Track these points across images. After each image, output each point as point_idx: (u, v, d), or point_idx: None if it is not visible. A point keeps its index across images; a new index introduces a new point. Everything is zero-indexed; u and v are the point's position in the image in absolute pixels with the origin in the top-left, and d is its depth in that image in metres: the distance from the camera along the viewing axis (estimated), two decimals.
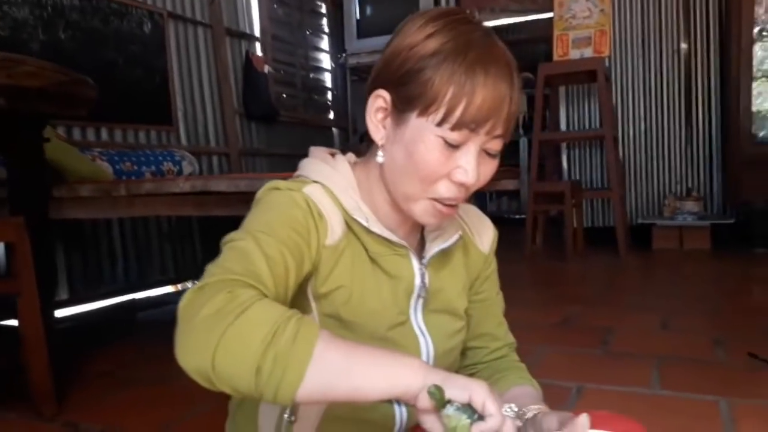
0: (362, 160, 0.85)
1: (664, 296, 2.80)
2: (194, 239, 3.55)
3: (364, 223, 0.78)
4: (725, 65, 4.18)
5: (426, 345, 0.85)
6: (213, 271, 0.63)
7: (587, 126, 4.70)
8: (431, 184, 0.74)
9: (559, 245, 4.33)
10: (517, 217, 7.13)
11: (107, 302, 3.11)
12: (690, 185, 4.42)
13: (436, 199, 0.75)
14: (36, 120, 1.58)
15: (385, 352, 0.62)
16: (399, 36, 0.75)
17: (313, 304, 0.79)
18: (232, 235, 0.70)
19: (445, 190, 0.74)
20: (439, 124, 0.70)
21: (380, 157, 0.78)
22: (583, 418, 0.68)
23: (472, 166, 0.72)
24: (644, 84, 4.52)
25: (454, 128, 0.70)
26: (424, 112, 0.71)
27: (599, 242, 4.37)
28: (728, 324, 2.26)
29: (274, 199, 0.75)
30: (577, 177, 4.75)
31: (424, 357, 0.84)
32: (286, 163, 4.38)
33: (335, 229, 0.76)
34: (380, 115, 0.77)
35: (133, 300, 3.25)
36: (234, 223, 0.75)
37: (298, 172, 0.84)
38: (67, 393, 1.79)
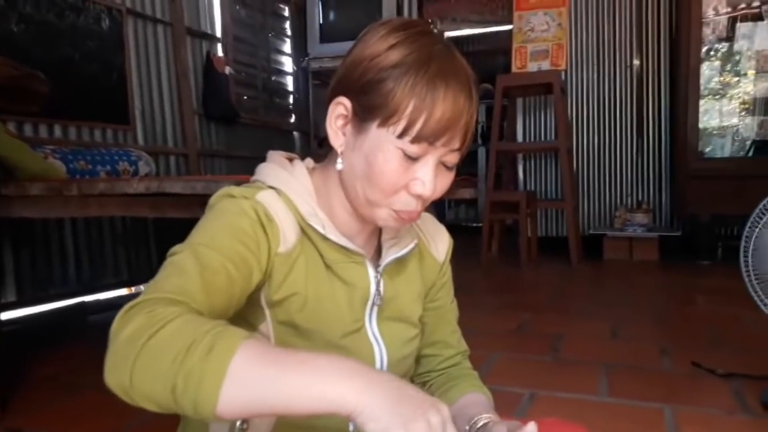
0: (320, 166, 0.85)
1: (613, 305, 2.89)
2: (149, 241, 3.48)
3: (321, 230, 0.78)
4: (675, 82, 4.34)
5: (380, 353, 0.85)
6: (145, 290, 0.62)
7: (543, 137, 4.81)
8: (390, 194, 0.74)
9: (514, 253, 4.41)
10: (474, 225, 7.23)
11: (57, 305, 3.02)
12: (640, 198, 4.57)
13: (394, 210, 0.76)
14: None
15: (320, 363, 0.57)
16: (361, 44, 0.75)
17: (267, 312, 0.78)
18: (175, 248, 0.70)
19: (402, 203, 0.75)
20: (400, 136, 0.70)
21: (339, 164, 0.78)
22: (531, 426, 0.70)
23: (429, 178, 0.73)
24: (598, 97, 4.65)
25: (413, 141, 0.70)
26: (385, 123, 0.71)
27: (552, 251, 4.47)
28: (674, 333, 2.35)
29: (222, 208, 0.74)
30: (533, 187, 4.85)
31: (378, 365, 0.85)
32: (246, 165, 4.34)
33: (288, 236, 0.76)
34: (340, 122, 0.77)
35: (84, 302, 3.16)
36: (190, 225, 0.74)
37: (254, 177, 0.83)
38: (11, 398, 1.74)
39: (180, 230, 0.75)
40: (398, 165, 0.72)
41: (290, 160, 0.86)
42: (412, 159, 0.72)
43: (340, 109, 0.76)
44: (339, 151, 0.78)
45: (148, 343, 0.55)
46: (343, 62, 0.78)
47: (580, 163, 4.69)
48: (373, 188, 0.74)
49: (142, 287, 3.61)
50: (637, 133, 4.57)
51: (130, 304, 0.59)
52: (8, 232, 2.67)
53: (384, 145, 0.72)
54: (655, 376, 1.86)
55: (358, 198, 0.77)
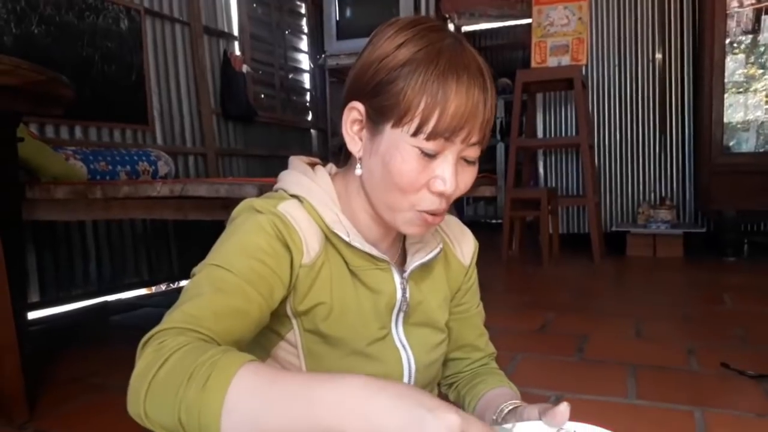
0: (342, 171, 0.84)
1: (637, 303, 2.84)
2: (169, 241, 3.50)
3: (345, 238, 0.77)
4: (698, 76, 4.26)
5: (407, 359, 0.84)
6: (162, 320, 0.64)
7: (563, 133, 4.76)
8: (411, 194, 0.73)
9: (535, 251, 4.37)
10: (494, 222, 7.20)
11: (79, 305, 3.04)
12: (663, 194, 4.50)
13: (419, 211, 0.74)
14: (9, 119, 1.54)
15: (316, 393, 0.52)
16: (370, 47, 0.75)
17: (293, 321, 0.78)
18: (195, 268, 0.71)
19: (426, 202, 0.73)
20: (414, 134, 0.69)
21: (358, 169, 0.77)
22: (564, 406, 0.68)
23: (449, 174, 0.71)
24: (620, 93, 4.59)
25: (429, 138, 0.69)
26: (398, 123, 0.70)
27: (574, 248, 4.42)
28: (700, 332, 2.30)
29: (241, 225, 0.73)
30: (553, 184, 4.80)
31: (405, 371, 0.84)
32: (264, 165, 4.35)
33: (311, 246, 0.75)
34: (356, 127, 0.76)
35: (106, 302, 3.19)
36: (211, 225, 0.74)
37: (277, 185, 0.83)
38: (38, 399, 1.75)
39: (200, 230, 0.74)
40: (416, 164, 0.71)
41: (312, 165, 0.85)
42: (430, 157, 0.71)
43: (354, 114, 0.76)
44: (357, 156, 0.77)
45: (155, 378, 0.56)
46: (354, 67, 0.77)
47: (601, 158, 4.63)
48: (393, 191, 0.73)
49: (162, 287, 3.64)
50: (659, 128, 4.50)
51: (148, 335, 0.61)
52: (31, 233, 2.69)
53: (400, 145, 0.71)
54: (683, 377, 1.82)
55: (380, 203, 0.76)
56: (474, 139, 0.72)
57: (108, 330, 2.75)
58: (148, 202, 1.59)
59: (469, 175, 0.76)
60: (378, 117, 0.72)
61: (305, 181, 0.80)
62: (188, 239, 3.53)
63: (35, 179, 2.17)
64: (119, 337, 2.56)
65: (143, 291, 3.50)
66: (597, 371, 1.89)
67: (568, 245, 4.49)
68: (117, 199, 1.57)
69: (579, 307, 2.83)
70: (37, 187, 1.72)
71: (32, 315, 2.80)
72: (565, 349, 2.12)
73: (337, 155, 0.85)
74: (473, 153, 0.74)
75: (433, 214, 0.75)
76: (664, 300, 2.90)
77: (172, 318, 0.63)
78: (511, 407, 0.82)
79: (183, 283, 3.76)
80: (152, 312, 3.08)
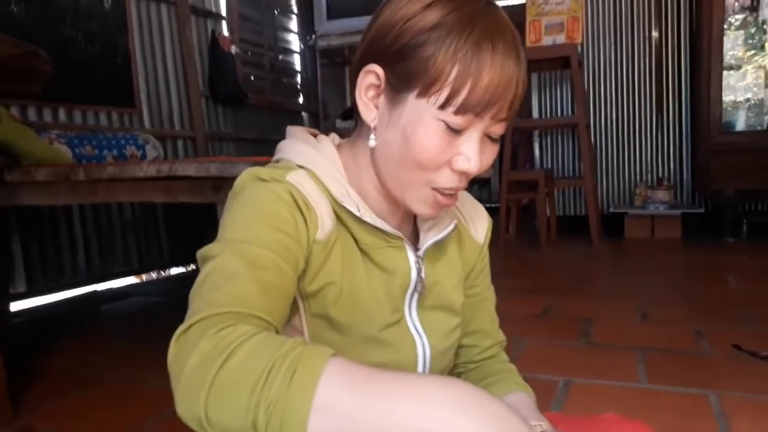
0: (348, 142, 0.77)
1: (639, 285, 2.79)
2: (159, 228, 3.40)
3: (356, 212, 0.70)
4: (696, 54, 4.19)
5: (422, 345, 0.77)
6: (196, 306, 0.55)
7: (559, 113, 4.69)
8: (430, 171, 0.67)
9: (532, 234, 4.31)
10: (488, 205, 7.15)
11: (68, 294, 2.95)
12: (661, 174, 4.44)
13: (434, 189, 0.68)
14: None
15: (419, 388, 0.48)
16: (392, 5, 0.67)
17: (300, 304, 0.71)
18: (211, 248, 0.62)
19: (444, 179, 0.67)
20: (442, 107, 0.63)
21: (372, 140, 0.70)
22: None
23: (474, 152, 0.65)
24: (616, 71, 4.51)
25: (457, 112, 0.63)
26: (425, 92, 0.63)
27: (571, 231, 4.37)
28: (706, 314, 2.25)
29: (253, 195, 0.66)
30: (549, 165, 4.74)
31: (420, 358, 0.77)
32: (254, 148, 4.25)
33: (325, 220, 0.68)
34: (371, 93, 0.69)
35: (95, 292, 3.10)
36: (202, 210, 0.65)
37: (278, 155, 0.75)
38: (23, 395, 1.67)
39: (191, 216, 0.66)
40: (440, 139, 0.64)
41: (314, 135, 0.78)
42: (456, 132, 0.65)
43: (370, 78, 0.68)
44: (372, 126, 0.69)
45: (221, 372, 0.48)
46: (371, 26, 0.69)
47: (597, 139, 4.57)
48: (411, 167, 0.66)
49: (153, 275, 3.55)
50: (656, 108, 4.43)
51: (186, 325, 0.53)
52: (17, 220, 2.60)
53: (424, 117, 0.64)
54: (695, 360, 1.77)
55: (392, 178, 0.70)
56: (503, 114, 0.66)
57: (98, 320, 2.67)
58: (135, 184, 1.50)
59: (491, 153, 0.69)
60: (401, 84, 0.65)
61: (309, 151, 0.73)
62: (179, 225, 3.43)
63: (16, 163, 2.07)
64: (110, 326, 2.48)
65: (133, 279, 3.41)
66: (605, 355, 1.83)
67: (565, 228, 4.43)
68: (102, 181, 1.48)
69: (580, 290, 2.78)
70: (17, 170, 1.63)
71: (19, 305, 2.71)
72: (571, 333, 2.07)
73: (347, 118, 0.77)
74: (500, 130, 0.68)
75: (447, 194, 0.69)
76: (666, 282, 2.85)
77: (214, 301, 0.55)
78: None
79: (174, 271, 3.68)
80: (143, 301, 3.00)
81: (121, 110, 3.18)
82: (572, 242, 4.10)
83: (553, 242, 4.06)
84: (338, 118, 4.41)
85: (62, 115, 2.86)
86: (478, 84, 0.62)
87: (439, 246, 0.80)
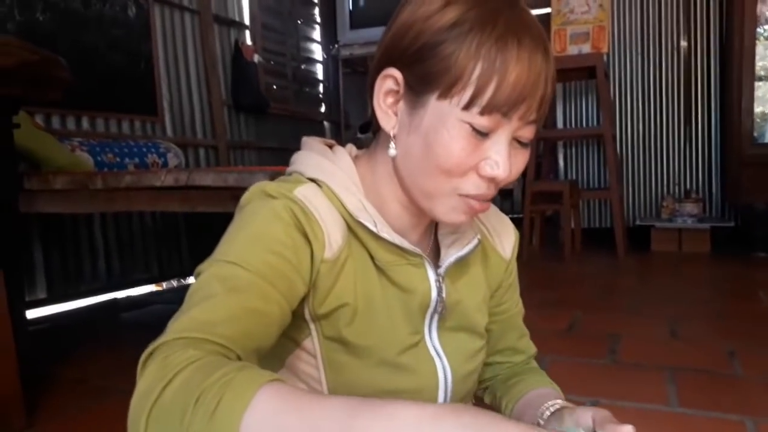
0: (366, 153, 0.73)
1: (668, 301, 2.71)
2: (180, 235, 3.40)
3: (372, 228, 0.66)
4: (726, 64, 4.10)
5: (443, 370, 0.73)
6: (167, 328, 0.53)
7: (584, 124, 4.61)
8: (456, 178, 0.63)
9: (555, 246, 4.24)
10: (511, 216, 7.06)
11: (88, 301, 2.96)
12: (689, 186, 4.34)
13: (462, 196, 0.64)
14: (4, 104, 1.43)
15: (365, 413, 0.43)
16: (410, 6, 0.64)
17: (312, 326, 0.67)
18: (202, 265, 0.60)
19: (471, 186, 0.63)
20: (466, 107, 0.59)
21: (392, 149, 0.66)
22: (629, 429, 0.60)
23: (503, 157, 0.61)
24: (643, 82, 4.43)
25: (483, 112, 0.59)
26: (447, 93, 0.60)
27: (596, 243, 4.29)
28: (739, 332, 2.17)
29: (252, 213, 0.63)
30: (573, 176, 4.66)
31: (441, 384, 0.73)
32: (276, 157, 4.24)
33: (334, 237, 0.64)
34: (390, 100, 0.66)
35: (115, 299, 3.10)
36: (222, 217, 0.62)
37: (291, 167, 0.72)
38: (38, 403, 1.66)
39: (211, 223, 0.64)
40: (466, 143, 0.61)
41: (330, 146, 0.74)
42: (482, 135, 0.61)
43: (389, 83, 0.65)
44: (392, 133, 0.65)
45: (158, 400, 0.46)
46: (389, 29, 0.66)
47: (624, 150, 4.48)
48: (435, 173, 0.62)
49: (174, 283, 3.55)
50: (684, 119, 4.34)
51: (151, 347, 0.51)
52: (38, 226, 2.61)
53: (447, 119, 0.60)
54: (727, 383, 1.69)
55: (417, 188, 0.66)
56: (532, 116, 0.62)
57: (117, 328, 2.66)
58: (153, 194, 1.48)
59: (522, 159, 0.66)
60: (421, 86, 0.62)
61: (324, 163, 0.69)
62: (199, 233, 3.43)
63: (37, 171, 2.08)
64: (129, 336, 2.47)
65: (153, 287, 3.41)
66: (632, 375, 1.76)
67: (590, 240, 4.35)
68: (120, 189, 1.47)
69: (606, 305, 2.70)
70: (36, 178, 1.63)
71: (38, 312, 2.72)
72: (596, 350, 2.00)
73: (364, 131, 0.74)
74: (529, 133, 0.64)
75: (477, 201, 0.65)
76: (695, 297, 2.77)
77: (178, 326, 0.52)
78: (555, 408, 0.71)
79: (192, 279, 3.68)
80: (163, 309, 2.99)
81: (144, 118, 3.19)
82: (597, 255, 4.02)
83: (577, 255, 3.98)
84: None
85: (85, 122, 2.87)
86: (505, 81, 0.58)
87: (461, 263, 0.76)
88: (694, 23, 4.29)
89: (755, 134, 3.86)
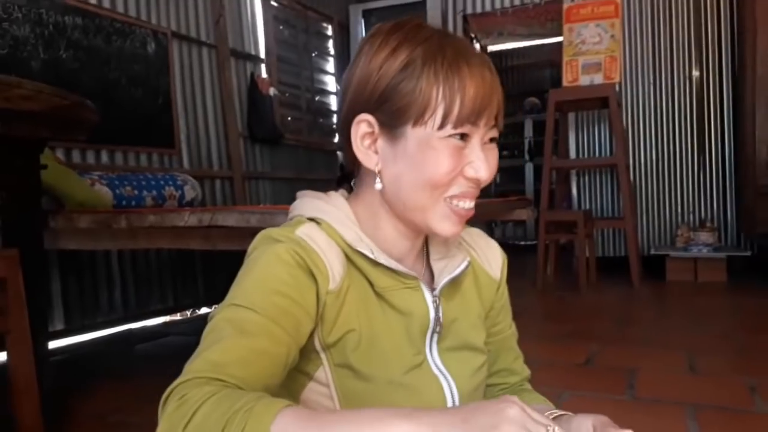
0: (353, 194, 0.80)
1: (685, 333, 2.68)
2: (195, 266, 3.43)
3: (370, 255, 0.72)
4: (739, 93, 4.11)
5: (449, 387, 0.76)
6: (183, 370, 0.58)
7: (597, 153, 4.62)
8: (444, 186, 0.71)
9: (570, 275, 4.22)
10: (523, 243, 7.05)
11: (104, 332, 2.98)
12: (703, 215, 4.32)
13: (451, 198, 0.72)
14: (33, 145, 1.47)
15: (364, 418, 0.51)
16: (361, 61, 0.72)
17: (323, 356, 0.71)
18: (216, 309, 0.66)
19: (457, 188, 0.71)
20: (441, 126, 0.68)
21: (378, 183, 0.73)
22: None
23: (482, 159, 0.70)
24: (655, 111, 4.44)
25: (456, 125, 0.68)
26: (420, 120, 0.68)
27: (611, 273, 4.26)
28: (759, 366, 2.14)
29: (258, 259, 0.68)
30: (587, 205, 4.66)
31: (448, 401, 0.76)
32: (290, 187, 4.28)
33: (336, 269, 0.70)
34: (368, 141, 0.73)
35: (131, 330, 3.12)
36: (237, 252, 0.66)
37: (293, 213, 0.78)
38: None
39: (227, 254, 0.67)
40: (450, 156, 0.69)
41: (325, 192, 0.81)
42: (462, 145, 0.70)
43: (363, 127, 0.72)
44: (376, 170, 0.73)
45: None
46: (349, 83, 0.74)
47: (637, 179, 4.48)
48: (427, 188, 0.70)
49: (188, 313, 3.57)
50: (698, 148, 4.34)
51: (169, 390, 0.56)
52: (56, 259, 2.64)
53: (431, 141, 0.69)
54: (750, 420, 1.67)
55: (410, 207, 0.73)
56: (493, 120, 0.72)
57: (132, 360, 2.67)
58: (175, 232, 1.50)
59: (494, 157, 0.74)
60: (394, 121, 0.70)
61: (320, 204, 0.76)
62: (214, 264, 3.45)
63: (59, 206, 2.11)
64: (144, 368, 2.48)
65: (168, 318, 3.42)
66: (652, 412, 1.75)
67: (605, 269, 4.32)
68: (143, 228, 1.49)
69: (623, 337, 2.68)
70: (60, 216, 1.66)
71: (56, 344, 2.74)
72: (615, 385, 1.98)
73: (341, 184, 0.82)
74: (494, 133, 0.74)
75: (462, 207, 0.72)
76: (713, 329, 2.74)
77: (193, 368, 0.57)
78: (553, 417, 0.73)
79: (206, 309, 3.69)
80: (177, 341, 3.00)
81: (161, 151, 3.24)
82: (612, 284, 3.99)
83: (592, 284, 3.95)
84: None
85: (105, 156, 2.93)
86: (466, 96, 0.67)
87: (454, 284, 0.81)
88: (706, 53, 4.31)
89: None
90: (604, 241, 4.61)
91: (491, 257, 0.90)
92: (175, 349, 2.82)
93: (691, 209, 4.37)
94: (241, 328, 0.61)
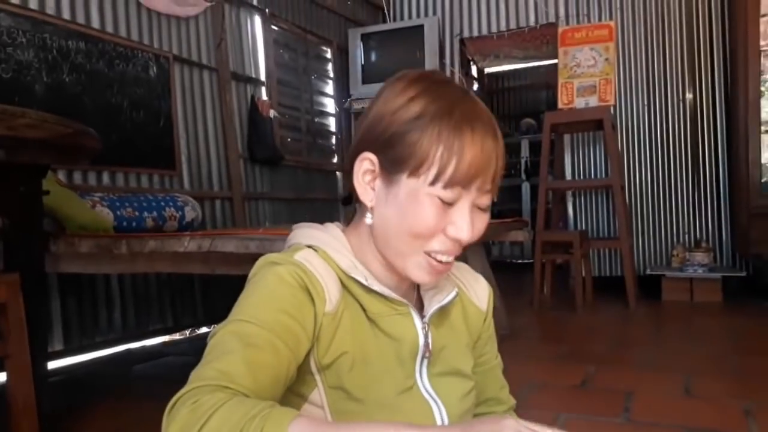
0: (352, 225, 0.84)
1: (681, 354, 2.70)
2: (194, 286, 3.44)
3: (364, 282, 0.76)
4: (731, 116, 4.16)
5: (439, 411, 0.79)
6: (190, 379, 0.60)
7: (592, 174, 4.66)
8: (425, 240, 0.73)
9: (566, 294, 4.23)
10: (520, 262, 7.07)
11: (102, 353, 2.98)
12: (698, 236, 4.35)
13: (429, 253, 0.74)
14: (36, 171, 1.51)
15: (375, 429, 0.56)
16: (380, 101, 0.76)
17: (317, 377, 0.74)
18: (218, 327, 0.68)
19: (438, 244, 0.74)
20: (432, 183, 0.70)
21: (369, 218, 0.77)
22: None
23: (466, 221, 0.72)
24: (650, 133, 4.50)
25: (446, 186, 0.70)
26: (415, 172, 0.71)
27: (607, 292, 4.28)
28: (754, 389, 2.16)
29: (261, 279, 0.72)
30: (583, 225, 4.69)
31: (438, 424, 0.78)
32: (289, 208, 4.32)
33: (332, 292, 0.73)
34: (368, 177, 0.76)
35: (129, 350, 3.12)
36: (239, 278, 0.69)
37: (290, 242, 0.82)
38: None
39: (226, 277, 0.70)
40: (435, 211, 0.71)
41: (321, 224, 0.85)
42: (448, 204, 0.72)
43: (366, 164, 0.76)
44: (369, 206, 0.77)
45: None
46: (363, 120, 0.78)
47: (632, 200, 4.52)
48: (407, 237, 0.73)
49: (187, 333, 3.57)
50: (692, 169, 4.38)
51: (176, 396, 0.58)
52: (56, 280, 2.66)
53: (419, 193, 0.71)
54: None
55: (391, 249, 0.76)
56: (487, 186, 0.74)
57: (130, 381, 2.68)
58: (175, 256, 1.53)
59: (482, 222, 0.76)
60: (393, 167, 0.73)
61: (316, 233, 0.80)
62: (213, 284, 3.47)
63: (60, 230, 2.14)
64: (142, 389, 2.49)
65: (167, 338, 3.43)
66: None
67: (600, 289, 4.34)
68: (143, 253, 1.52)
69: (619, 358, 2.70)
70: (62, 241, 1.68)
71: (54, 364, 2.74)
72: (611, 408, 2.00)
73: (346, 204, 0.85)
74: (486, 200, 0.75)
75: (441, 261, 0.75)
76: (709, 351, 2.76)
77: (202, 375, 0.60)
78: None
79: (205, 329, 3.70)
80: (175, 361, 3.01)
81: (162, 172, 3.27)
82: (608, 304, 4.01)
83: (588, 304, 3.97)
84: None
85: (106, 178, 2.96)
86: (462, 161, 0.69)
87: (443, 313, 0.85)
88: (699, 76, 4.37)
89: (763, 183, 3.88)
90: (600, 261, 4.63)
91: (479, 290, 0.93)
92: (174, 369, 2.83)
93: (686, 230, 4.40)
94: (247, 341, 0.63)
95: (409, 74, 0.76)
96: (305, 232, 0.81)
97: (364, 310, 0.77)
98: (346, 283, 0.76)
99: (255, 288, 0.71)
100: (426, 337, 0.80)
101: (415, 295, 0.86)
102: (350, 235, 0.82)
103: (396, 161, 0.72)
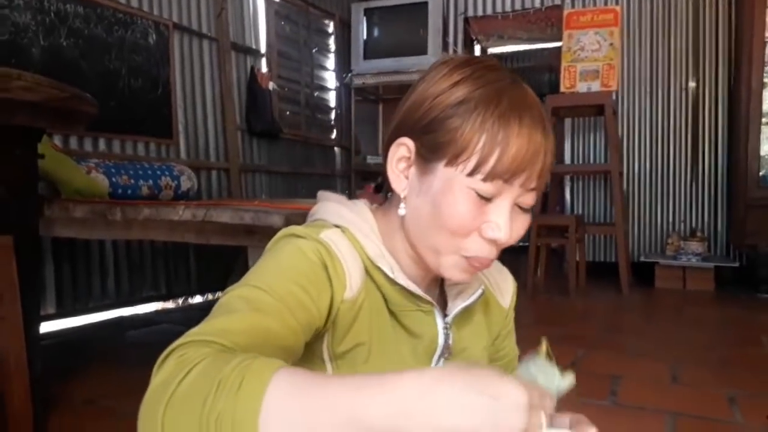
0: (381, 209, 0.79)
1: (671, 342, 2.72)
2: (189, 254, 3.44)
3: (389, 273, 0.71)
4: (733, 106, 4.15)
5: None
6: (186, 333, 0.57)
7: (591, 159, 4.65)
8: (460, 238, 0.68)
9: (560, 278, 4.25)
10: (518, 244, 7.09)
11: (95, 317, 2.99)
12: (694, 225, 4.36)
13: (465, 257, 0.69)
14: (31, 135, 1.49)
15: (368, 381, 0.48)
16: (423, 84, 0.71)
17: (329, 366, 0.71)
18: (229, 288, 0.64)
19: (475, 247, 0.68)
20: (471, 174, 0.65)
21: (402, 209, 0.72)
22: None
23: (505, 221, 0.66)
24: (651, 120, 4.48)
25: (486, 179, 0.65)
26: (454, 161, 0.66)
27: (601, 277, 4.30)
28: (740, 378, 2.18)
29: (282, 249, 0.68)
30: (579, 210, 4.69)
31: None
32: (286, 181, 4.31)
33: (354, 279, 0.69)
34: (402, 165, 0.72)
35: (122, 317, 3.14)
36: (233, 248, 0.67)
37: (315, 216, 0.77)
38: (47, 423, 1.68)
39: (221, 247, 0.67)
40: (470, 206, 0.66)
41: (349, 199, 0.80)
42: (486, 200, 0.66)
43: (402, 150, 0.71)
44: (402, 195, 0.72)
45: (177, 391, 0.49)
46: (403, 103, 0.73)
47: (630, 186, 4.51)
48: (441, 233, 0.68)
49: (180, 302, 3.59)
50: (691, 159, 4.38)
51: (168, 349, 0.54)
52: (49, 244, 2.65)
53: (453, 184, 0.66)
54: (727, 431, 1.70)
55: (424, 244, 0.71)
56: (532, 184, 0.68)
57: (123, 347, 2.69)
58: (170, 225, 1.53)
59: (522, 224, 0.71)
60: (430, 154, 0.68)
61: (346, 212, 0.75)
62: (208, 253, 3.47)
63: (55, 194, 2.13)
64: (135, 355, 2.50)
65: (160, 305, 3.44)
66: (633, 419, 1.78)
67: (594, 274, 4.36)
68: (138, 220, 1.51)
69: (609, 343, 2.71)
70: (56, 205, 1.67)
71: (47, 327, 2.75)
72: (598, 391, 2.02)
73: (379, 190, 0.80)
74: (530, 200, 0.69)
75: (479, 261, 0.69)
76: (698, 339, 2.78)
77: (200, 330, 0.56)
78: None
79: (199, 299, 3.71)
80: (168, 329, 3.02)
81: (159, 141, 3.26)
82: (601, 290, 4.03)
83: (582, 288, 3.99)
84: (373, 185, 4.45)
85: (102, 144, 2.94)
86: (506, 153, 0.64)
87: (467, 313, 0.81)
88: (703, 65, 4.34)
89: (761, 176, 3.89)
90: (595, 247, 4.65)
91: (503, 286, 0.90)
92: (166, 337, 2.82)
93: (682, 218, 4.41)
94: (254, 306, 0.59)
95: (456, 58, 0.72)
96: (333, 209, 0.76)
97: (385, 300, 0.73)
98: (371, 271, 0.72)
99: (272, 257, 0.67)
100: (447, 338, 0.77)
101: (438, 291, 0.82)
102: (379, 220, 0.77)
103: (434, 148, 0.67)
